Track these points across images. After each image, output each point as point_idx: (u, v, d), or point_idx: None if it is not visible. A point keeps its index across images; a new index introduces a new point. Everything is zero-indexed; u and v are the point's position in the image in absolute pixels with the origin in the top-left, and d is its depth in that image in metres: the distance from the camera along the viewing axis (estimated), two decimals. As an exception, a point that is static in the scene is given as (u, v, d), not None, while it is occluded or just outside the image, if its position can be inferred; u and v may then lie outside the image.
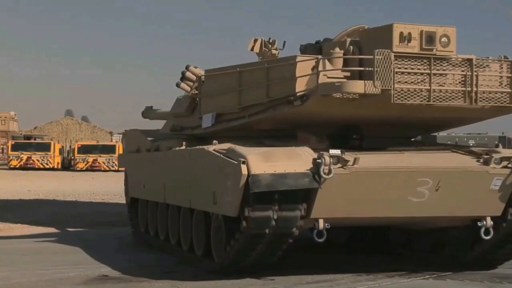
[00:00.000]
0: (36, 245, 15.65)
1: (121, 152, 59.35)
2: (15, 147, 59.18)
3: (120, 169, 56.69)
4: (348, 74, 11.51)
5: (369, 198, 11.00)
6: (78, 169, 57.91)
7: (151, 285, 11.32)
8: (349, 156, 10.86)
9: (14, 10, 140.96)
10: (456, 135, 50.76)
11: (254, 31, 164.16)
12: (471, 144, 35.42)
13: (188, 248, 13.20)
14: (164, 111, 15.98)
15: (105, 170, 57.54)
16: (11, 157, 58.95)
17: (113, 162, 57.93)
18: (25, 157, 58.41)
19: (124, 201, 26.34)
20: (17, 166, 57.96)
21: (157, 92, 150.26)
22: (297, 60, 11.65)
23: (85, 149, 59.48)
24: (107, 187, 36.10)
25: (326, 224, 10.98)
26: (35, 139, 66.15)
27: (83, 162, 58.70)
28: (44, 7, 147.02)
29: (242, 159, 10.59)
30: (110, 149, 59.59)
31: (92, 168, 57.83)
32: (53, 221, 19.98)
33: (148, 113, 16.85)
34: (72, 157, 60.72)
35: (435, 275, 12.03)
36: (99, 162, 58.58)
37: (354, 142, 12.22)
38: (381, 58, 10.95)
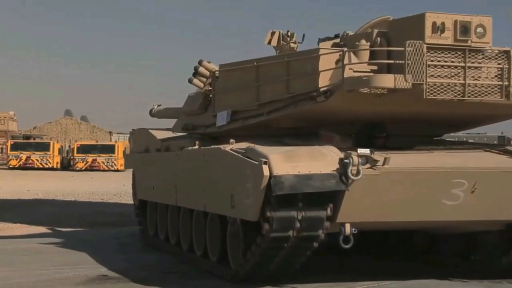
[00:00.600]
0: (36, 245, 15.35)
1: (120, 152, 59.09)
2: (14, 147, 58.50)
3: (119, 168, 57.64)
4: (375, 67, 10.62)
5: (399, 201, 10.06)
6: (77, 169, 57.33)
7: (150, 285, 10.98)
8: (378, 155, 9.92)
9: (14, 10, 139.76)
10: (455, 134, 49.65)
11: (255, 31, 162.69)
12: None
13: (201, 253, 12.30)
14: (174, 109, 15.02)
15: (104, 170, 57.05)
16: (10, 157, 58.21)
17: (113, 162, 57.88)
18: (24, 157, 57.80)
19: (124, 201, 27.00)
20: (16, 166, 57.34)
21: (157, 91, 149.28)
22: (320, 53, 10.74)
23: (84, 149, 58.81)
24: (106, 187, 35.77)
25: (353, 229, 10.04)
26: (34, 139, 65.46)
27: (82, 162, 58.09)
28: (44, 7, 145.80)
29: (264, 159, 9.66)
30: (109, 149, 59.09)
31: (91, 168, 57.36)
32: (53, 221, 19.75)
33: (157, 111, 15.88)
34: (71, 157, 60.10)
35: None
36: (98, 162, 57.97)
37: (378, 140, 11.26)
38: (413, 50, 10.03)
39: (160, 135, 14.63)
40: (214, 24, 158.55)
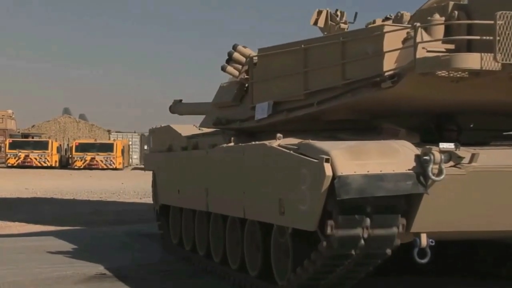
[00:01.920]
0: (34, 243, 14.97)
1: (119, 150, 58.21)
2: (13, 146, 57.39)
3: (117, 167, 56.55)
4: (451, 46, 8.53)
5: (488, 207, 8.00)
6: (75, 167, 56.61)
7: (149, 284, 10.55)
8: (464, 151, 7.86)
9: (13, 10, 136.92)
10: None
11: (256, 32, 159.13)
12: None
13: (237, 267, 10.26)
14: (199, 104, 12.97)
15: (103, 169, 56.22)
16: (8, 156, 57.06)
17: (111, 160, 57.18)
18: (22, 156, 56.75)
19: (122, 200, 26.67)
20: (14, 165, 56.27)
21: (156, 91, 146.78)
22: (385, 30, 8.65)
23: (83, 148, 57.90)
24: (105, 185, 35.16)
25: (430, 240, 7.97)
26: (32, 138, 64.17)
27: (81, 161, 57.17)
28: (43, 6, 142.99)
29: (325, 156, 7.58)
30: (107, 148, 58.19)
31: (90, 167, 56.58)
32: (51, 220, 19.34)
33: (178, 107, 13.70)
34: (70, 156, 59.20)
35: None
36: (97, 161, 57.08)
37: (450, 135, 9.14)
38: (504, 24, 7.91)
39: (185, 131, 12.57)
40: (213, 22, 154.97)
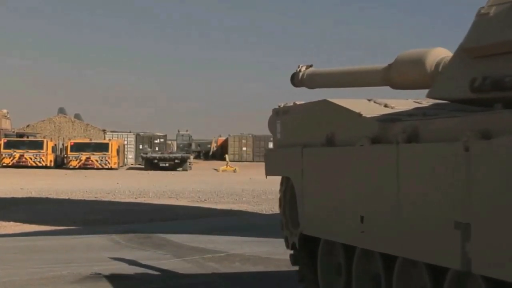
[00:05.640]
0: (29, 243, 14.55)
1: (114, 150, 56.61)
2: (8, 145, 56.36)
3: (113, 167, 55.18)
4: None
5: None
6: (71, 167, 55.57)
7: (144, 283, 10.12)
8: None
9: (9, 8, 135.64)
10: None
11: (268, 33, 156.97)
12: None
13: None
14: (360, 68, 7.38)
15: (98, 168, 55.26)
16: (3, 155, 55.85)
17: (106, 160, 56.24)
18: (17, 155, 55.66)
19: (117, 199, 26.30)
20: (9, 164, 55.09)
21: (151, 91, 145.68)
22: None
23: (78, 147, 56.85)
24: (100, 185, 34.37)
25: None
26: (27, 137, 62.94)
27: (76, 160, 56.15)
28: (38, 4, 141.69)
29: None
30: (103, 147, 57.25)
31: (85, 166, 55.50)
32: (46, 219, 18.85)
33: (308, 75, 7.97)
34: (65, 155, 58.05)
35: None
36: (92, 160, 55.97)
37: None
38: None
39: (365, 110, 6.50)
40: (209, 20, 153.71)
